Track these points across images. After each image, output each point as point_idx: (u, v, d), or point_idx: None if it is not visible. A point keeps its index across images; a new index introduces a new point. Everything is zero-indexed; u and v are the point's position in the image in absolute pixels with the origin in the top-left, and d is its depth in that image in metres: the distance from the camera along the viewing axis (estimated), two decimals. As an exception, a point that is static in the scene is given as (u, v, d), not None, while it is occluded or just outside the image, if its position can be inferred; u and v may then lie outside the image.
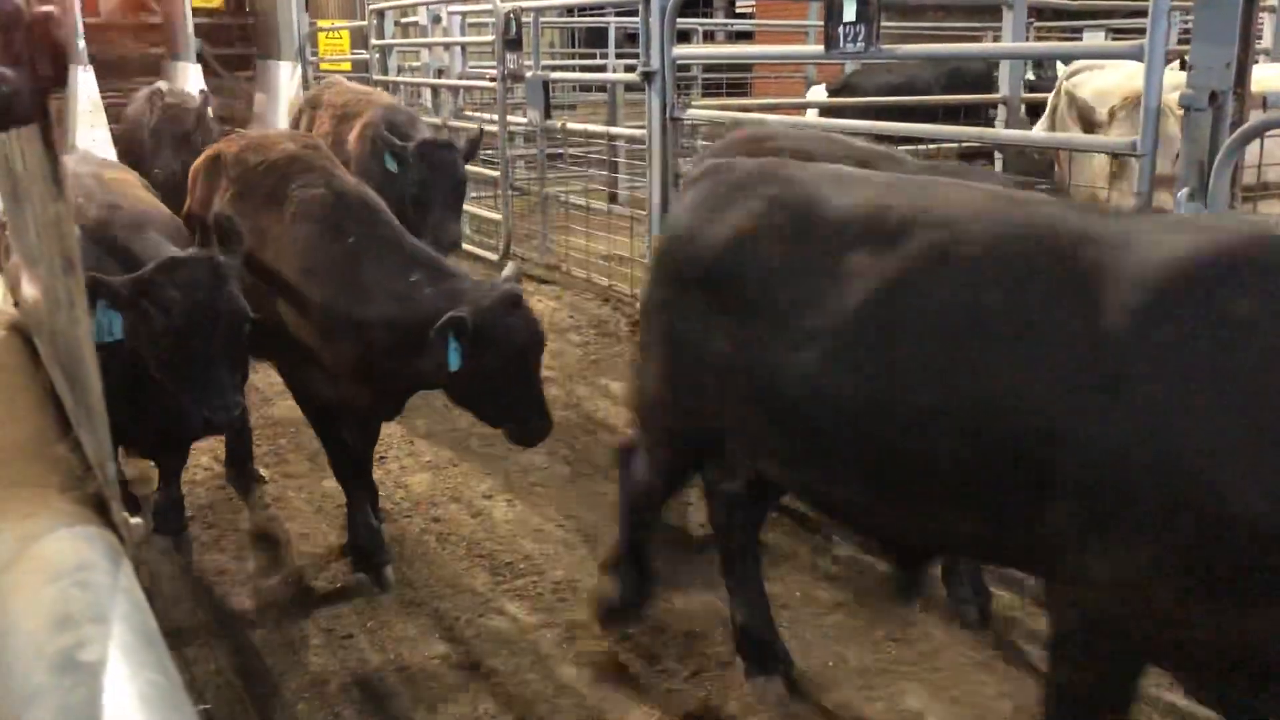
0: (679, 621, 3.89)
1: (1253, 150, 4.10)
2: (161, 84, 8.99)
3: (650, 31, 6.66)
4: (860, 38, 5.26)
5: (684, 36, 12.02)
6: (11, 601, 0.80)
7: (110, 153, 12.38)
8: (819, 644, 3.74)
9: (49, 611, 0.77)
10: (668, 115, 6.61)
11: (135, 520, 0.98)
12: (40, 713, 0.67)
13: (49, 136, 0.90)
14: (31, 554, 0.86)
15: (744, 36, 16.06)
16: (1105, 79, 6.42)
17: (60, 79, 0.87)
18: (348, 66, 13.29)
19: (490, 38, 9.20)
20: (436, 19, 10.13)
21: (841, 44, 5.35)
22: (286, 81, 12.63)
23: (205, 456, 5.44)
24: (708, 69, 14.92)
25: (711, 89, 14.95)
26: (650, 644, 3.76)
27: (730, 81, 15.28)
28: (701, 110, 7.03)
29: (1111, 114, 5.82)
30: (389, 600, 4.06)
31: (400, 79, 11.29)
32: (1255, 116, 3.99)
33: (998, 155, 8.16)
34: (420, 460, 5.38)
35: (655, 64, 6.68)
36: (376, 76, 11.22)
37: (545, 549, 4.44)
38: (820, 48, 5.67)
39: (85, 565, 0.83)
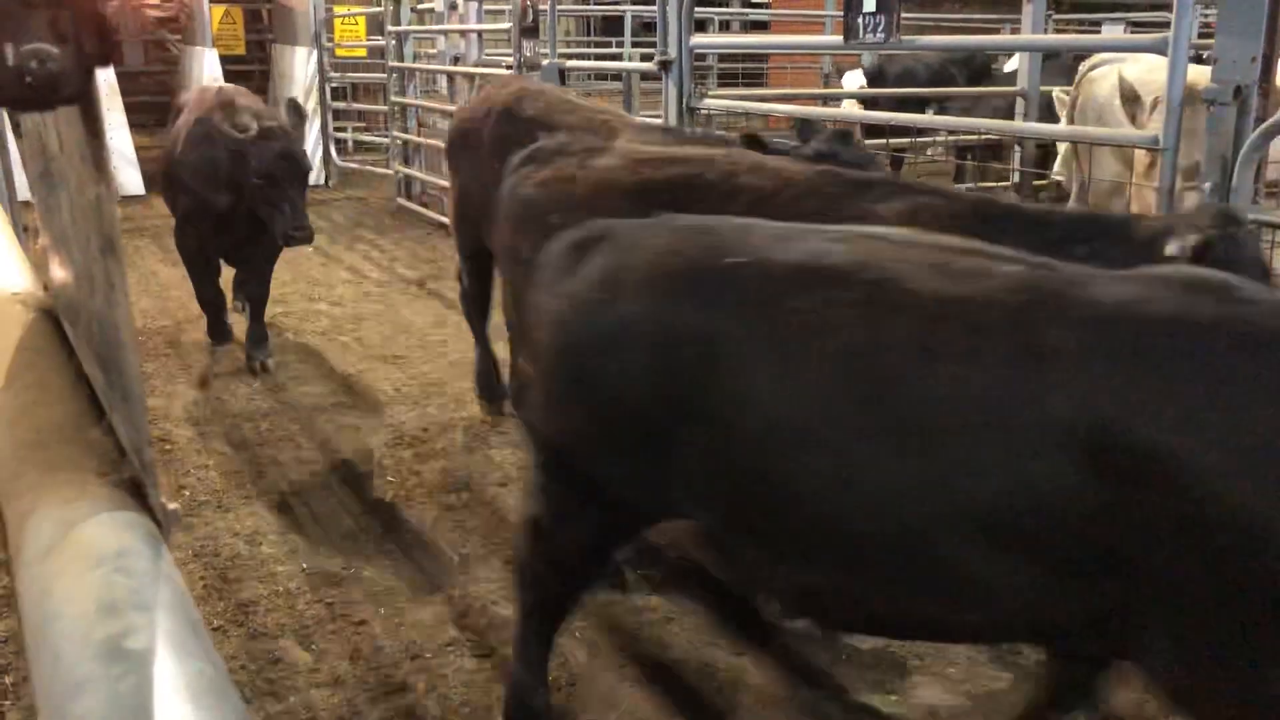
0: (691, 613, 3.88)
1: (1276, 146, 4.07)
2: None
3: (668, 20, 6.64)
4: (880, 28, 5.24)
5: (700, 26, 11.97)
6: (55, 587, 0.80)
7: (125, 137, 12.42)
8: (833, 636, 3.73)
9: (93, 598, 0.77)
10: (684, 105, 6.59)
11: (172, 506, 0.98)
12: (90, 701, 0.67)
13: (92, 116, 0.90)
14: (72, 539, 0.86)
15: (760, 26, 16.00)
16: (1136, 70, 6.39)
17: (107, 58, 0.87)
18: (363, 53, 13.29)
19: (507, 25, 9.18)
20: (453, 5, 10.11)
21: (861, 35, 5.33)
22: (303, 67, 12.63)
23: (218, 441, 5.45)
24: (724, 59, 14.87)
25: (727, 79, 14.90)
26: (662, 634, 3.75)
27: (746, 71, 15.23)
28: (718, 100, 7.00)
29: (1155, 103, 5.77)
30: (403, 587, 4.06)
31: (416, 65, 11.27)
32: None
33: (1017, 148, 8.14)
34: (433, 447, 5.38)
35: (672, 53, 6.66)
36: (392, 63, 11.22)
37: (559, 538, 4.44)
38: (838, 38, 5.65)
39: (126, 551, 0.83)
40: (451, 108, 10.23)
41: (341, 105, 13.18)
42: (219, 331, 6.84)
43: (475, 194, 5.02)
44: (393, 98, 11.33)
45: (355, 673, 3.55)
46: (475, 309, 5.68)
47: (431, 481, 5.00)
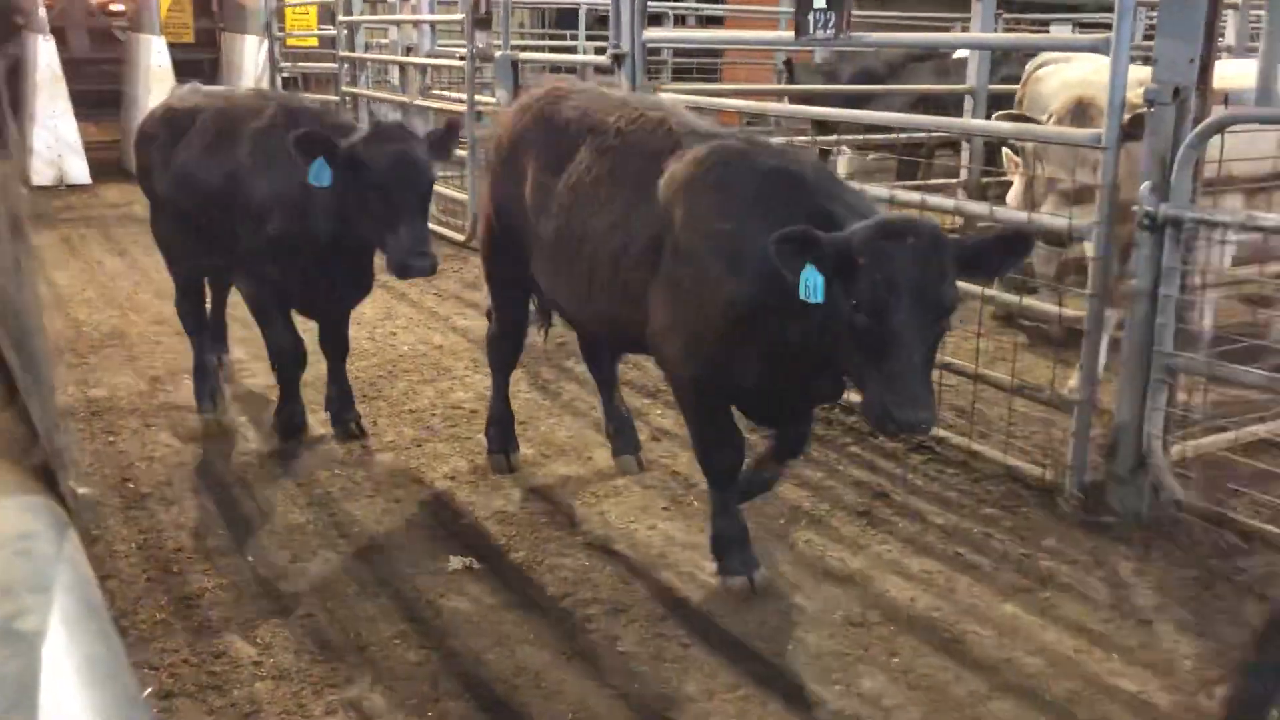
0: (640, 604, 3.90)
1: (1214, 145, 4.15)
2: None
3: (621, 13, 6.64)
4: (831, 24, 5.28)
5: (654, 20, 11.96)
6: (-51, 569, 0.78)
7: (70, 125, 12.20)
8: (779, 627, 3.77)
9: (-12, 579, 0.76)
10: (637, 98, 6.59)
11: (83, 490, 0.97)
12: (-29, 682, 0.66)
13: None
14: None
15: (714, 21, 16.02)
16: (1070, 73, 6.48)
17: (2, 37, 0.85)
18: (315, 42, 13.16)
19: (460, 16, 9.13)
20: (406, -4, 10.05)
21: (811, 30, 5.36)
22: (253, 56, 12.48)
23: (165, 433, 5.39)
24: (678, 53, 14.88)
25: (681, 73, 14.92)
26: (611, 627, 3.77)
27: (701, 66, 15.25)
28: (671, 94, 7.01)
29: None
30: (350, 580, 4.04)
31: (368, 56, 11.17)
32: (1217, 113, 4.05)
33: (965, 145, 8.22)
34: (382, 440, 5.35)
35: (626, 46, 6.67)
36: (343, 53, 11.12)
37: (508, 530, 4.44)
38: (790, 34, 5.68)
39: (28, 534, 0.82)
40: (403, 98, 10.17)
41: (289, 95, 13.04)
42: (295, 412, 5.30)
43: (516, 215, 4.49)
44: (344, 88, 11.22)
45: (301, 666, 3.53)
46: (504, 353, 5.02)
47: (379, 475, 4.97)
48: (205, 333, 5.80)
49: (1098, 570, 4.13)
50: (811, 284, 3.18)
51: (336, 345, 5.35)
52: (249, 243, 4.84)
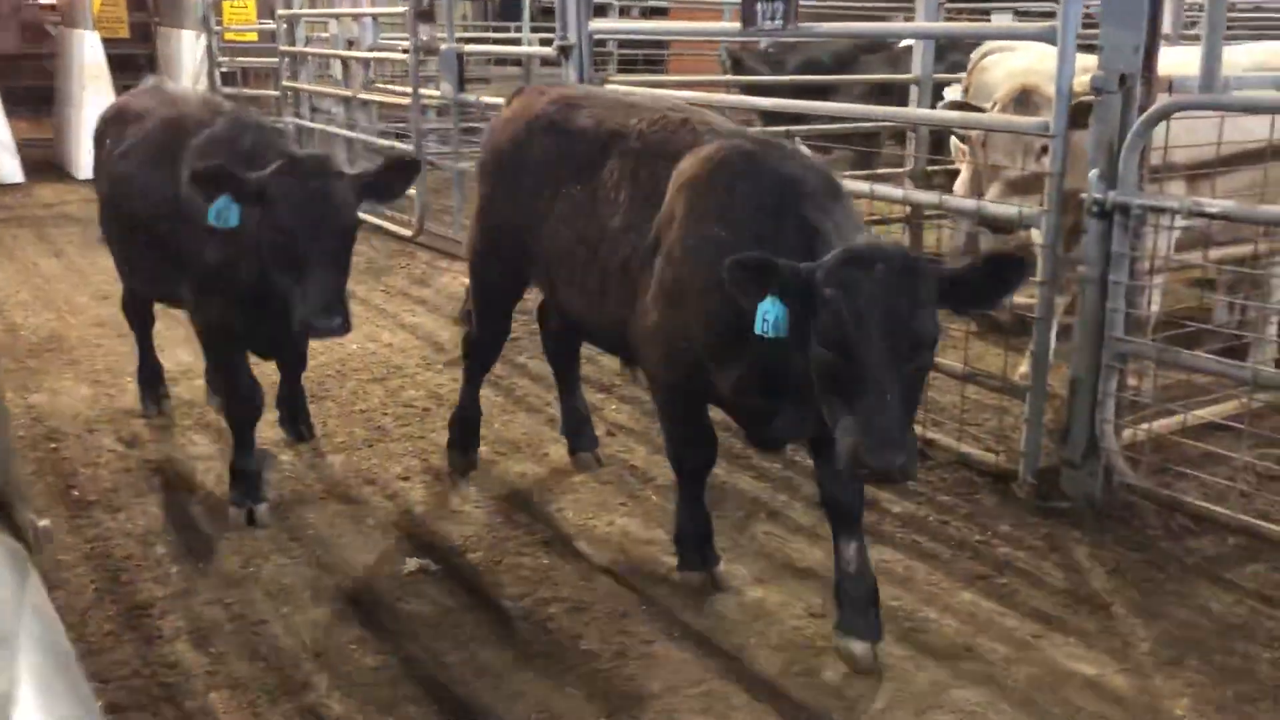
0: (601, 602, 3.87)
1: (1159, 132, 4.19)
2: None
3: (567, 5, 6.58)
4: (778, 15, 5.26)
5: (599, 11, 11.89)
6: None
7: (1, 122, 11.89)
8: (740, 620, 3.76)
9: (-58, 636, 0.69)
10: (585, 90, 6.53)
11: (43, 523, 0.91)
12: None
13: None
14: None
15: (658, 13, 15.98)
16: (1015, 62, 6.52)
17: None
18: (254, 36, 12.94)
19: (402, 9, 9.01)
20: (346, -12, 9.90)
21: (759, 21, 5.35)
22: (191, 51, 12.24)
23: (109, 438, 5.26)
24: (624, 44, 14.81)
25: (627, 64, 14.85)
26: (572, 625, 3.73)
27: (647, 57, 15.21)
28: (619, 85, 6.96)
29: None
30: (303, 585, 3.97)
31: (309, 50, 11.00)
32: (1162, 100, 4.09)
33: (911, 135, 8.26)
34: (333, 442, 5.27)
35: (572, 38, 6.61)
36: (283, 47, 10.93)
37: (465, 530, 4.38)
38: (737, 24, 5.65)
39: None
40: (345, 93, 10.03)
41: (232, 91, 12.80)
42: (251, 469, 4.58)
43: (515, 224, 4.27)
44: (284, 83, 11.04)
45: (255, 674, 3.46)
46: (484, 359, 4.92)
47: (331, 477, 4.89)
48: (150, 334, 5.62)
49: (1053, 555, 4.17)
50: (772, 318, 2.98)
51: (294, 363, 5.03)
52: (191, 272, 4.30)
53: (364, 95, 9.72)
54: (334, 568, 4.11)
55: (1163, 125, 4.13)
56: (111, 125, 5.02)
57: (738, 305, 3.07)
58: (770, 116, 8.54)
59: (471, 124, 9.70)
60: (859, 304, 2.84)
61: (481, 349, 4.86)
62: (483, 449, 5.13)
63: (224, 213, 3.82)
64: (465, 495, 4.71)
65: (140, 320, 5.57)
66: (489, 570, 4.10)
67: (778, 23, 5.32)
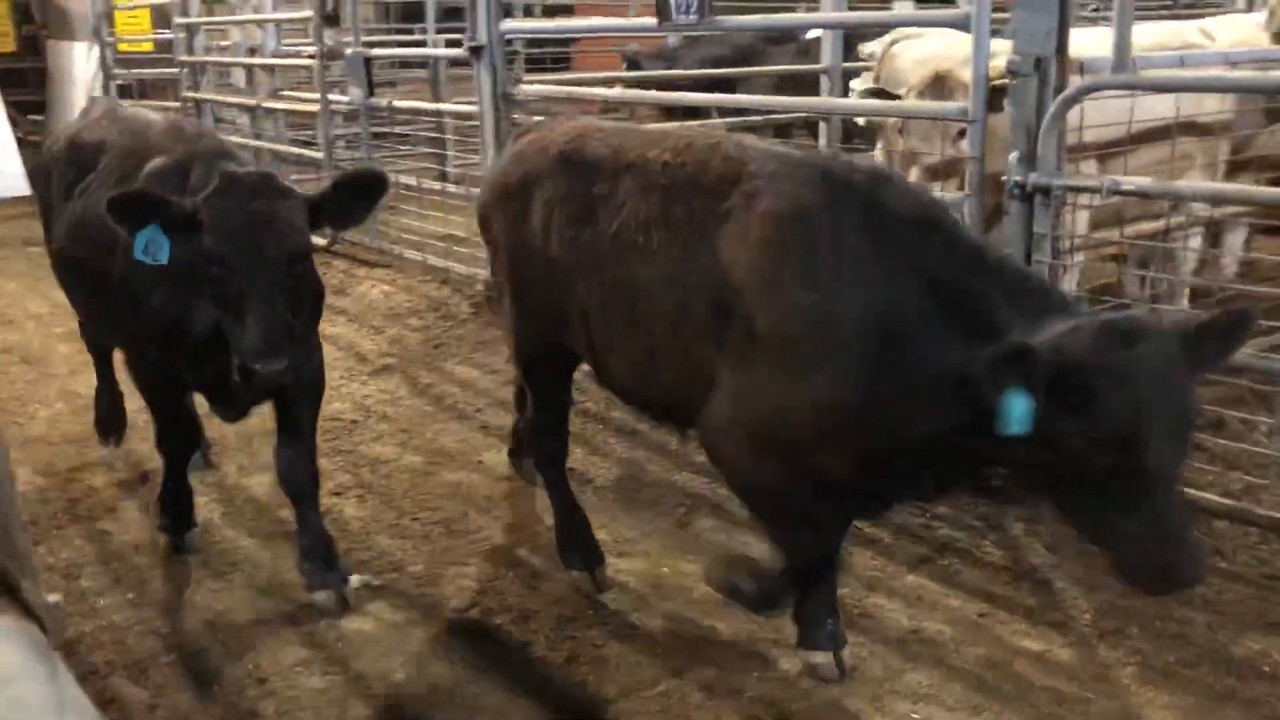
0: (548, 608, 3.82)
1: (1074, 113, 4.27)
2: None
3: (477, 5, 6.51)
4: (693, 9, 5.26)
5: (504, 11, 11.75)
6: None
7: None
8: (690, 618, 3.74)
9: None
10: (500, 91, 6.47)
11: (53, 598, 0.84)
12: None
13: None
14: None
15: (563, 11, 15.89)
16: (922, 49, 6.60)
17: None
18: (150, 47, 12.58)
19: (306, 13, 8.82)
20: (246, -5, 9.67)
21: (674, 16, 5.34)
22: (83, 64, 11.86)
23: (25, 469, 5.06)
24: (530, 44, 14.70)
25: (534, 64, 14.75)
26: (520, 633, 3.68)
27: (554, 56, 15.13)
28: (534, 85, 6.92)
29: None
30: (240, 609, 3.86)
31: (210, 59, 10.73)
32: (1074, 81, 4.16)
33: (822, 125, 8.34)
34: (258, 461, 5.12)
35: (483, 38, 6.54)
36: (183, 57, 10.64)
37: (403, 544, 4.30)
38: (650, 20, 5.64)
39: (11, 677, 0.68)
40: (250, 101, 9.80)
41: (130, 104, 12.44)
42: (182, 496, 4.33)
43: (542, 278, 3.61)
44: (185, 93, 10.75)
45: (198, 705, 3.35)
46: (555, 442, 4.05)
47: (260, 496, 4.76)
48: (112, 362, 5.08)
49: (992, 534, 4.23)
50: (1018, 412, 2.48)
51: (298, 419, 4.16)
52: (132, 317, 3.79)
53: (269, 103, 9.50)
54: (271, 590, 4.00)
55: (1077, 106, 4.21)
56: (60, 161, 4.36)
57: (874, 387, 2.75)
58: (679, 111, 8.56)
59: (381, 129, 9.55)
60: (1142, 394, 2.45)
61: (549, 431, 4.05)
62: (416, 458, 5.05)
63: (152, 245, 3.34)
64: (400, 508, 4.62)
65: (100, 351, 5.13)
66: (431, 583, 4.03)
67: (692, 16, 5.32)
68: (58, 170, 4.34)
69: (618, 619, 3.75)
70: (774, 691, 3.34)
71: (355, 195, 3.52)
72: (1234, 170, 6.01)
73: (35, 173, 4.65)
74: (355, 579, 3.99)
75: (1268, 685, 3.30)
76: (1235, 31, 6.24)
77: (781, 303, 2.91)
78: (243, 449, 5.20)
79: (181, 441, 4.21)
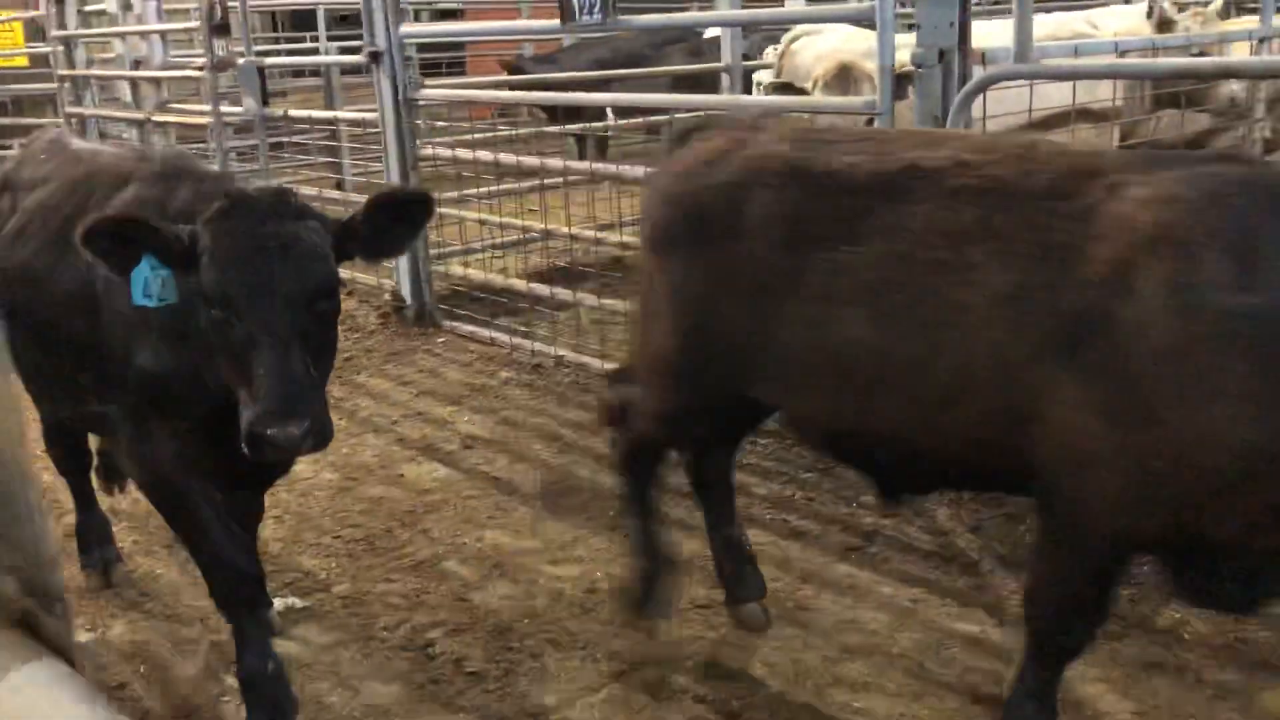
0: (480, 620, 3.76)
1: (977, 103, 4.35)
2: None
3: (374, 11, 6.39)
4: (597, 9, 5.24)
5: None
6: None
7: None
8: (628, 622, 3.71)
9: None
10: (401, 97, 6.36)
11: (84, 637, 0.77)
12: None
13: None
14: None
15: (453, 15, 15.73)
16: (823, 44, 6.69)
17: None
18: (24, 61, 12.08)
19: (193, 24, 8.57)
20: (128, 5, 9.32)
21: (578, 16, 5.31)
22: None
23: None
24: (422, 48, 14.51)
25: (429, 69, 14.58)
26: (454, 648, 3.61)
27: (450, 61, 14.97)
28: (437, 90, 6.83)
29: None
30: (161, 641, 3.72)
31: (92, 72, 10.36)
32: (979, 72, 4.24)
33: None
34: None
35: (381, 44, 6.42)
36: (62, 71, 10.24)
37: (327, 563, 4.20)
38: (552, 21, 5.61)
39: None
40: (138, 115, 9.49)
41: (6, 121, 11.93)
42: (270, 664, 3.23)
43: (753, 309, 2.98)
44: (67, 109, 10.34)
45: (121, 744, 3.21)
46: (712, 501, 3.68)
47: (175, 521, 4.60)
48: (89, 478, 4.24)
49: (917, 520, 4.28)
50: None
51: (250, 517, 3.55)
52: (120, 387, 3.05)
53: (159, 117, 9.20)
54: (190, 618, 3.86)
55: (980, 96, 4.29)
56: None
57: None
58: (560, 114, 8.52)
59: (278, 139, 9.32)
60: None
61: (703, 485, 3.68)
62: (332, 475, 4.94)
63: (153, 283, 2.70)
64: (320, 527, 4.50)
65: (72, 460, 4.14)
66: (359, 601, 3.93)
67: (596, 16, 5.29)
68: None
69: (555, 626, 3.71)
70: (716, 692, 3.33)
71: (394, 219, 2.87)
72: (1125, 155, 6.21)
73: None
74: (280, 602, 3.87)
75: (1192, 653, 3.40)
76: (1120, 21, 6.46)
77: (1199, 309, 2.37)
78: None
79: (242, 586, 3.20)
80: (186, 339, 2.85)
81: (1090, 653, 3.29)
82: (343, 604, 3.92)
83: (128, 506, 4.73)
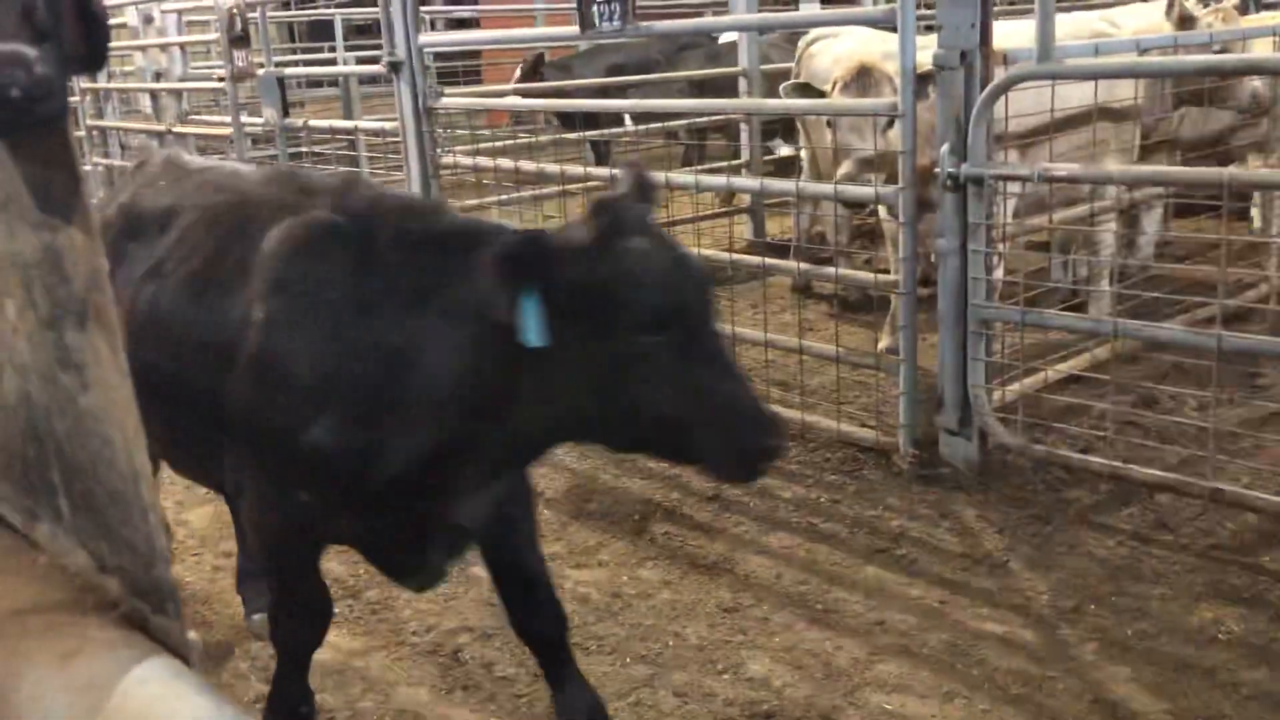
0: (508, 624, 3.76)
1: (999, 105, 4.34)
2: None
3: (393, 20, 6.41)
4: (616, 16, 5.24)
5: (414, 25, 11.60)
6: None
7: None
8: (655, 625, 3.72)
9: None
10: (421, 105, 6.39)
11: (192, 635, 0.78)
12: None
13: (65, 142, 0.69)
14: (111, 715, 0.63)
15: (466, 24, 15.79)
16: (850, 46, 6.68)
17: (97, 58, 0.66)
18: (46, 75, 12.17)
19: (212, 36, 8.62)
20: (149, 19, 9.40)
21: (598, 23, 5.32)
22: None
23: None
24: (438, 57, 14.56)
25: (445, 77, 14.63)
26: (484, 652, 3.62)
27: (465, 69, 15.03)
28: (457, 99, 6.85)
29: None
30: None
31: (113, 85, 10.44)
32: (1001, 73, 4.24)
33: (743, 126, 8.41)
34: (198, 493, 4.96)
35: (401, 53, 6.44)
36: (84, 84, 10.32)
37: (355, 569, 4.19)
38: (570, 29, 5.62)
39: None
40: (159, 127, 9.56)
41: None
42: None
43: None
44: (88, 121, 10.43)
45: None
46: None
47: (202, 529, 4.63)
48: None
49: (944, 521, 4.27)
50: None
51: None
52: (266, 452, 2.70)
53: (180, 128, 9.26)
54: (222, 625, 3.89)
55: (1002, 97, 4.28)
56: (117, 240, 3.09)
57: None
58: (579, 121, 8.55)
59: (297, 149, 9.37)
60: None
61: None
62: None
63: (540, 318, 2.32)
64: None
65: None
66: (388, 607, 3.95)
67: (616, 23, 5.30)
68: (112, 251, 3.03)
69: (582, 631, 3.71)
70: (747, 693, 3.33)
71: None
72: (1145, 154, 6.19)
73: None
74: (310, 608, 3.89)
75: (1224, 652, 3.38)
76: (1139, 19, 6.43)
77: None
78: (179, 481, 5.03)
79: (314, 619, 3.07)
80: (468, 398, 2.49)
81: (1119, 656, 3.29)
82: (371, 610, 3.93)
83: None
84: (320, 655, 3.61)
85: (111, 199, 3.39)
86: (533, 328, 2.28)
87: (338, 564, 4.25)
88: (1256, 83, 5.82)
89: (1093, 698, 3.22)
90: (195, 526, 4.66)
